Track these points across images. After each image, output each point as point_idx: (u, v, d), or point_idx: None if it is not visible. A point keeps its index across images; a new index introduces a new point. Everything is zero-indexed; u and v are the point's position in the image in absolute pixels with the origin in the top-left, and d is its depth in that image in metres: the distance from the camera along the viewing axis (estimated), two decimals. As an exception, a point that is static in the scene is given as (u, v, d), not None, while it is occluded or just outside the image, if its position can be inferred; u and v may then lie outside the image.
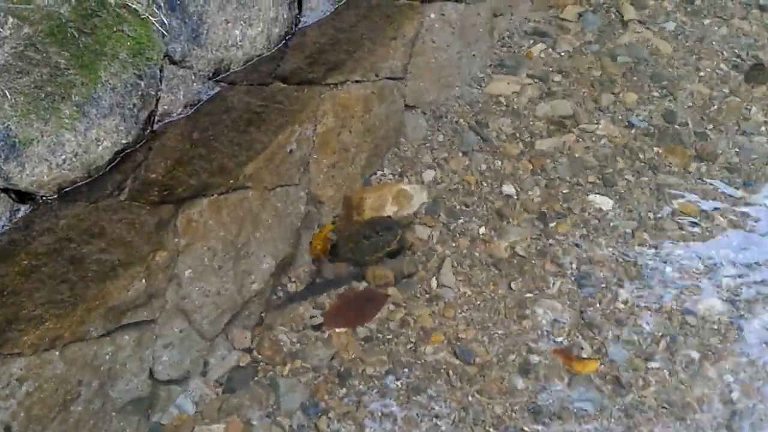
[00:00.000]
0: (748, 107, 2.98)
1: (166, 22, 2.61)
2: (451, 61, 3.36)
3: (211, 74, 2.88)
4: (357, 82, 3.15)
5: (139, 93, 2.56)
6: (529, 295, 2.47)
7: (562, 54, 3.36)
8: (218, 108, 2.87)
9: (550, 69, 3.31)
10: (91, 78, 2.41)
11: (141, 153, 2.62)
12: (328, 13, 3.34)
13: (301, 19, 3.25)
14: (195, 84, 2.81)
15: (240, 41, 2.93)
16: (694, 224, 2.60)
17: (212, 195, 2.60)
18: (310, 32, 3.26)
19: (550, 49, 3.41)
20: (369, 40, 3.30)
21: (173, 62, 2.71)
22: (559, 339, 2.34)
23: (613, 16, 3.52)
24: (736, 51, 3.24)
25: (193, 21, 2.74)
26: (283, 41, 3.17)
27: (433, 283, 2.54)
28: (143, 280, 2.34)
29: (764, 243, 2.53)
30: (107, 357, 2.23)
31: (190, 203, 2.55)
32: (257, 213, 2.67)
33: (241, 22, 2.92)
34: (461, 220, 2.73)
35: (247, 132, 2.80)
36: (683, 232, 2.59)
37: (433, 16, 3.52)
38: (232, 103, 2.90)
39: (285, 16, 3.13)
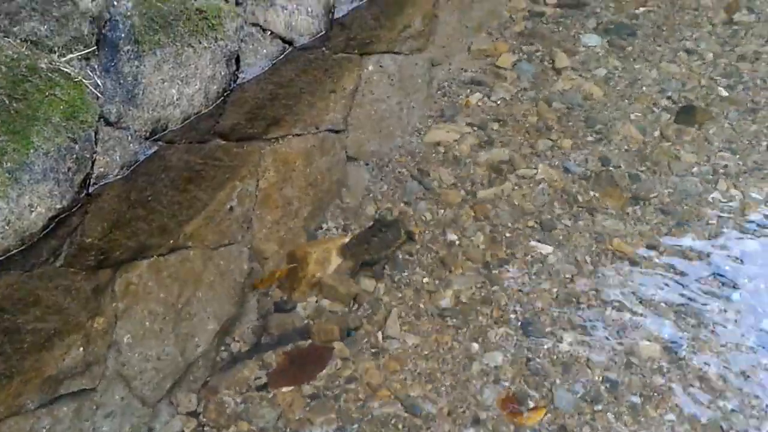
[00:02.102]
0: (679, 149, 3.13)
1: (100, 83, 2.65)
2: (391, 112, 3.45)
3: (148, 134, 2.91)
4: (298, 135, 3.22)
5: (74, 156, 2.57)
6: (475, 344, 2.53)
7: (499, 102, 3.49)
8: (156, 167, 2.89)
9: (488, 117, 3.42)
10: (23, 144, 2.42)
11: (77, 217, 2.62)
12: (267, 69, 3.42)
13: (240, 76, 3.32)
14: (132, 144, 2.84)
15: (177, 100, 2.98)
16: (632, 266, 2.71)
17: (152, 256, 2.61)
18: (249, 88, 3.33)
19: (487, 98, 3.53)
20: (308, 93, 3.38)
21: (109, 123, 2.74)
22: (506, 387, 2.39)
23: (547, 64, 3.68)
24: (666, 94, 3.41)
25: (128, 82, 2.78)
26: (222, 98, 3.23)
27: (379, 335, 2.57)
28: (81, 348, 2.32)
29: (698, 283, 2.64)
30: (45, 431, 2.19)
31: (128, 266, 2.56)
32: (199, 273, 2.68)
33: (178, 81, 2.97)
34: (406, 271, 2.78)
35: (186, 190, 2.83)
36: (622, 274, 2.69)
37: (371, 68, 3.64)
38: (170, 161, 2.93)
39: (222, 74, 3.19)
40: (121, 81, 2.74)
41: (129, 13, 2.83)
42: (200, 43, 3.07)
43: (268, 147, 3.14)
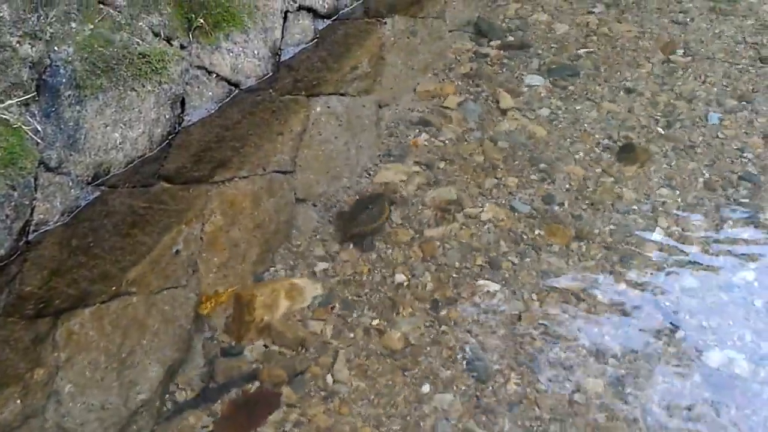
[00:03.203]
0: (621, 186, 3.25)
1: (40, 129, 2.64)
2: (340, 153, 3.51)
3: (90, 179, 2.91)
4: (245, 177, 3.25)
5: (12, 204, 2.56)
6: (424, 385, 2.55)
7: (446, 142, 3.58)
8: (99, 213, 2.89)
9: (436, 156, 3.50)
10: (-42, 191, 2.40)
11: (15, 265, 2.59)
12: (213, 111, 3.45)
13: (185, 118, 3.35)
14: (73, 190, 2.83)
15: (120, 143, 2.99)
16: (577, 303, 2.79)
17: (93, 304, 2.59)
18: (195, 131, 3.35)
19: (435, 138, 3.61)
20: (255, 135, 3.42)
21: (49, 169, 2.73)
22: (457, 427, 2.42)
23: (492, 104, 3.79)
24: (607, 132, 3.54)
25: (69, 127, 2.78)
26: (167, 141, 3.25)
27: (328, 378, 2.58)
28: (19, 401, 2.28)
29: (641, 319, 2.73)
30: (-22, 489, 2.14)
31: (69, 314, 2.53)
32: (142, 319, 2.67)
33: (121, 125, 2.98)
34: (354, 312, 2.81)
35: (130, 235, 2.83)
36: (567, 311, 2.76)
37: (319, 109, 3.70)
38: (113, 206, 2.92)
39: (167, 116, 3.21)
40: (62, 126, 2.74)
41: (70, 59, 2.84)
42: (144, 86, 3.09)
43: (214, 190, 3.16)
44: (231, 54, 3.55)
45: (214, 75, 3.49)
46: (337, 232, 3.11)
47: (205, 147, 3.27)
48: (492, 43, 4.27)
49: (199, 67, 3.42)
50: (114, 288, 2.63)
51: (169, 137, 3.26)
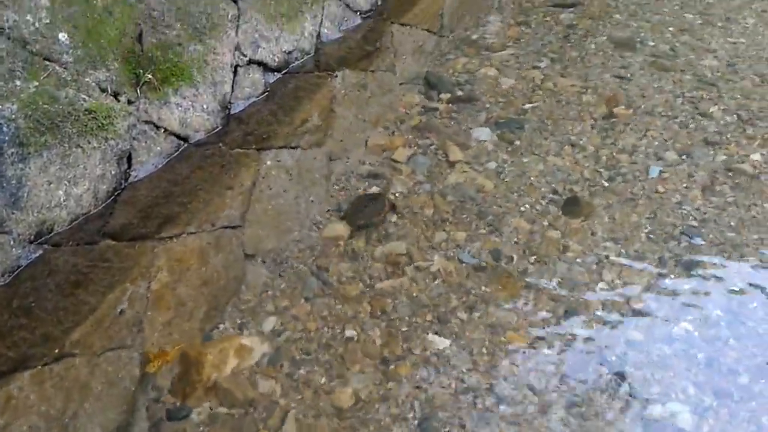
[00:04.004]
0: (567, 239, 3.34)
1: (-20, 188, 2.62)
2: (290, 207, 3.53)
3: (32, 237, 2.88)
4: (193, 233, 3.24)
5: (-51, 265, 2.52)
6: (373, 443, 2.56)
7: (397, 195, 3.63)
8: (41, 272, 2.85)
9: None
10: None
11: (-49, 329, 2.53)
12: (161, 166, 3.45)
13: (132, 174, 3.34)
14: (14, 249, 2.80)
15: (64, 201, 2.97)
16: (525, 357, 2.83)
17: (34, 367, 2.54)
18: (142, 186, 3.35)
19: (385, 191, 3.67)
20: (204, 190, 3.43)
21: (-11, 229, 2.70)
22: (406, 487, 2.42)
23: (441, 158, 3.88)
24: (553, 186, 3.64)
25: (12, 185, 2.76)
26: (113, 197, 3.23)
27: (277, 440, 2.57)
28: (-49, 473, 2.22)
29: (587, 372, 2.78)
30: None
31: (8, 378, 2.48)
32: (86, 381, 2.62)
33: (66, 182, 2.97)
34: (304, 370, 2.81)
35: (73, 295, 2.79)
36: (515, 365, 2.80)
37: (269, 163, 3.74)
38: (56, 265, 2.89)
39: (113, 173, 3.21)
40: (4, 184, 2.71)
41: (13, 116, 2.83)
42: (89, 143, 3.09)
43: (161, 246, 3.15)
44: (180, 108, 3.57)
45: (163, 130, 3.50)
46: (287, 288, 3.12)
47: (152, 203, 3.26)
48: (441, 96, 4.38)
49: (146, 122, 3.44)
50: (56, 350, 2.59)
51: (115, 193, 3.25)
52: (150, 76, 3.43)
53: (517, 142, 3.97)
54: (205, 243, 3.25)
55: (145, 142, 3.42)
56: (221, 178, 3.55)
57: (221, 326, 2.99)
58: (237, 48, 4.00)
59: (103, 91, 3.25)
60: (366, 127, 4.13)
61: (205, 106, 3.71)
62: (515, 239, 3.35)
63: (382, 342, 2.92)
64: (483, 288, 3.12)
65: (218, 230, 3.33)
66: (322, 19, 4.74)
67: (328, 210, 3.55)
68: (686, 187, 3.57)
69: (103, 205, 3.18)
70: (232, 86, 3.93)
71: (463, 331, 2.94)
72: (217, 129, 3.82)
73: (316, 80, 4.45)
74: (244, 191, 3.53)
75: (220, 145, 3.76)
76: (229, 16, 3.96)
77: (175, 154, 3.53)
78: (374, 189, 3.67)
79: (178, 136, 3.58)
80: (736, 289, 3.03)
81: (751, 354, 2.80)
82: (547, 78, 4.52)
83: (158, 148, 3.47)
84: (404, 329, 2.97)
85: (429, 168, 3.81)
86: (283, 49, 4.33)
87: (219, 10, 3.90)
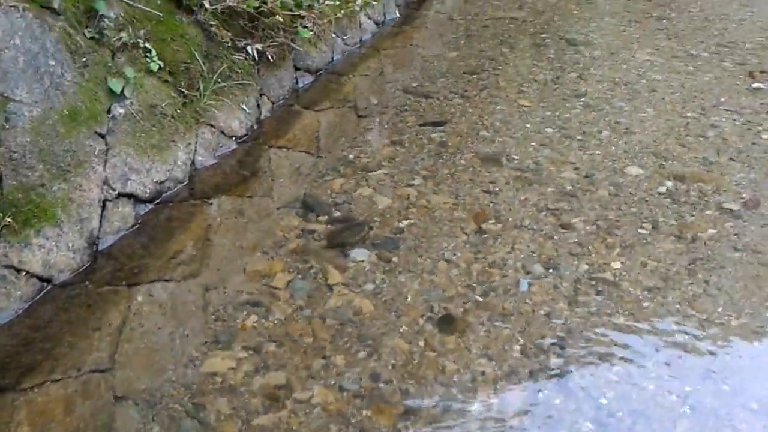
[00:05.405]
0: (443, 359, 3.41)
1: None
2: (163, 344, 3.46)
3: None
4: (57, 381, 3.12)
5: None
6: None
7: (276, 322, 3.64)
8: None
9: (265, 339, 3.53)
10: None
11: None
12: (21, 312, 3.34)
13: (-12, 323, 3.21)
14: None
15: None
16: (406, 486, 2.83)
17: None
18: (0, 335, 3.21)
19: (264, 319, 3.67)
20: (69, 333, 3.33)
21: None
22: None
23: (320, 281, 3.93)
24: (429, 304, 3.75)
25: None
26: (-35, 351, 3.08)
27: None
28: None
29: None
30: None
31: None
32: None
33: None
34: None
35: None
36: (396, 497, 2.79)
37: (140, 299, 3.68)
38: None
39: (-33, 324, 3.07)
40: None
41: None
42: (-60, 294, 2.96)
43: (21, 398, 3.00)
44: (42, 249, 3.49)
45: (24, 273, 3.40)
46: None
47: (10, 352, 3.12)
48: (319, 218, 4.49)
49: (6, 267, 3.33)
50: None
51: (-30, 345, 3.11)
52: (10, 219, 3.36)
53: (394, 261, 4.09)
54: (71, 390, 3.12)
55: (4, 288, 3.30)
56: (88, 319, 3.46)
57: (88, 481, 2.85)
58: (105, 182, 3.98)
59: (-42, 237, 3.15)
60: (244, 254, 4.15)
61: (70, 245, 3.65)
62: (393, 361, 3.40)
63: (260, 483, 2.85)
64: (362, 416, 3.12)
65: (85, 375, 3.21)
66: (195, 147, 4.82)
67: (206, 343, 3.50)
68: (553, 299, 3.76)
69: (-47, 360, 3.02)
70: (100, 221, 3.89)
71: (343, 465, 2.91)
72: (84, 267, 3.75)
73: (191, 209, 4.47)
74: (112, 331, 3.44)
75: (87, 283, 3.68)
76: (96, 152, 3.97)
77: (38, 297, 3.43)
78: (253, 317, 3.66)
79: (40, 278, 3.48)
80: (604, 401, 3.17)
81: (623, 463, 2.91)
82: (421, 195, 4.73)
83: (19, 292, 3.36)
84: (284, 467, 2.91)
85: (308, 292, 3.85)
86: (155, 180, 4.35)
87: (85, 146, 3.90)
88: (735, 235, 4.29)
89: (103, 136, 4.07)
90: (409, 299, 3.79)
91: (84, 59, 4.11)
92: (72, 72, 3.99)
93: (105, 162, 4.02)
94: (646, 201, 4.65)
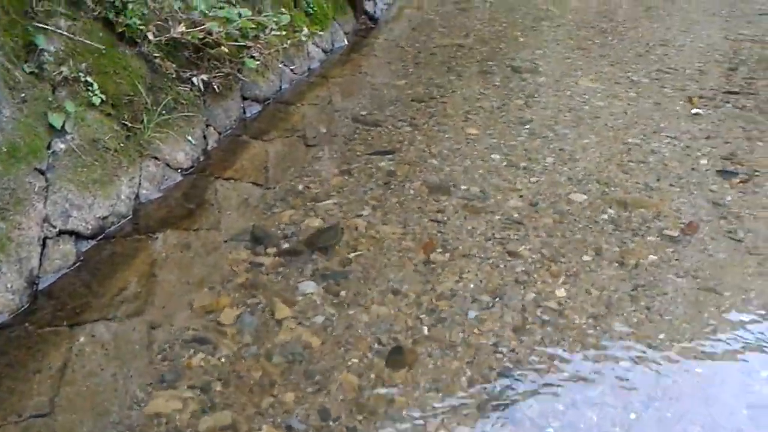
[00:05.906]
0: (392, 392, 3.42)
1: None
2: (106, 385, 3.40)
3: None
4: (-4, 428, 3.03)
5: None
6: None
7: (223, 359, 3.60)
8: None
9: (212, 377, 3.49)
10: None
11: None
12: (-43, 358, 3.24)
13: None
14: None
15: None
16: None
17: None
18: (-67, 383, 3.11)
19: (211, 356, 3.62)
20: (8, 377, 3.24)
21: None
22: None
23: (268, 315, 3.91)
24: (378, 336, 3.76)
25: None
26: None
27: None
28: None
29: None
30: None
31: None
32: None
33: None
34: None
35: None
36: None
37: (82, 339, 3.60)
38: None
39: None
40: None
41: None
42: None
43: (-44, 448, 2.91)
44: (-21, 291, 3.41)
45: (-40, 317, 3.31)
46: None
47: (-55, 400, 3.04)
48: (268, 250, 4.47)
49: (-60, 310, 3.25)
50: None
51: None
52: (-56, 261, 3.27)
53: (343, 293, 4.09)
54: (9, 438, 3.03)
55: (-61, 332, 3.21)
56: (27, 363, 3.37)
57: None
58: (45, 220, 3.91)
59: None
60: (190, 290, 4.11)
61: (9, 285, 3.56)
62: (342, 396, 3.39)
63: None
64: (311, 454, 3.10)
65: (25, 421, 3.13)
66: (140, 181, 4.76)
67: (150, 383, 3.44)
68: (500, 329, 3.80)
69: None
70: (40, 260, 3.82)
71: (291, 506, 2.88)
72: (24, 307, 3.66)
73: (135, 244, 4.42)
74: (53, 374, 3.36)
75: (27, 325, 3.60)
76: (36, 189, 3.90)
77: (-25, 340, 3.34)
78: (200, 355, 3.62)
79: (-23, 322, 3.40)
80: (551, 431, 3.21)
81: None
82: (370, 226, 4.75)
83: (-46, 337, 3.27)
84: None
85: (256, 328, 3.83)
86: (98, 215, 4.29)
87: (24, 184, 3.83)
88: (675, 260, 4.41)
89: (43, 173, 4.00)
90: (358, 332, 3.79)
91: (23, 94, 4.04)
92: (10, 108, 3.92)
93: (45, 199, 3.95)
94: (590, 228, 4.75)
